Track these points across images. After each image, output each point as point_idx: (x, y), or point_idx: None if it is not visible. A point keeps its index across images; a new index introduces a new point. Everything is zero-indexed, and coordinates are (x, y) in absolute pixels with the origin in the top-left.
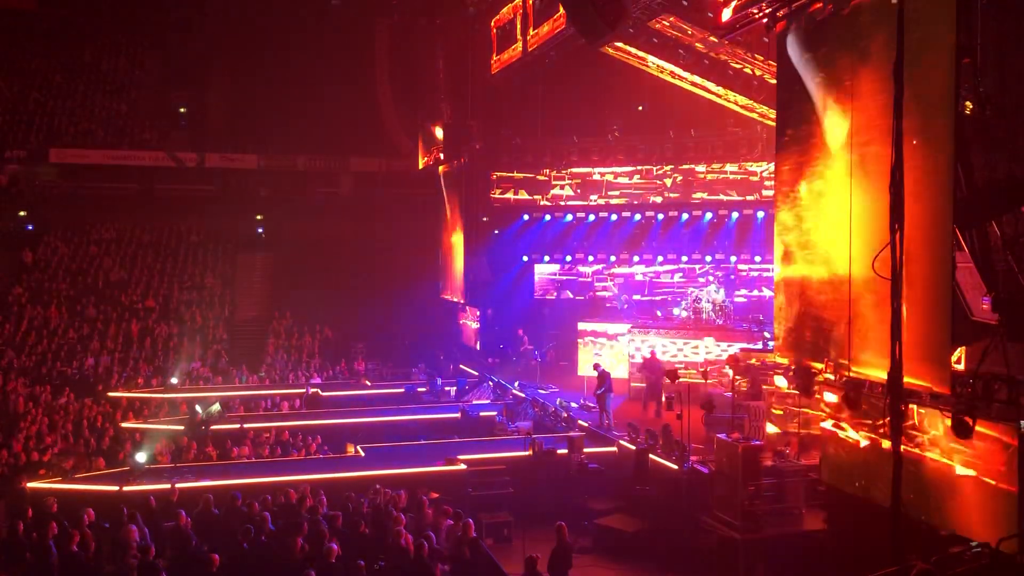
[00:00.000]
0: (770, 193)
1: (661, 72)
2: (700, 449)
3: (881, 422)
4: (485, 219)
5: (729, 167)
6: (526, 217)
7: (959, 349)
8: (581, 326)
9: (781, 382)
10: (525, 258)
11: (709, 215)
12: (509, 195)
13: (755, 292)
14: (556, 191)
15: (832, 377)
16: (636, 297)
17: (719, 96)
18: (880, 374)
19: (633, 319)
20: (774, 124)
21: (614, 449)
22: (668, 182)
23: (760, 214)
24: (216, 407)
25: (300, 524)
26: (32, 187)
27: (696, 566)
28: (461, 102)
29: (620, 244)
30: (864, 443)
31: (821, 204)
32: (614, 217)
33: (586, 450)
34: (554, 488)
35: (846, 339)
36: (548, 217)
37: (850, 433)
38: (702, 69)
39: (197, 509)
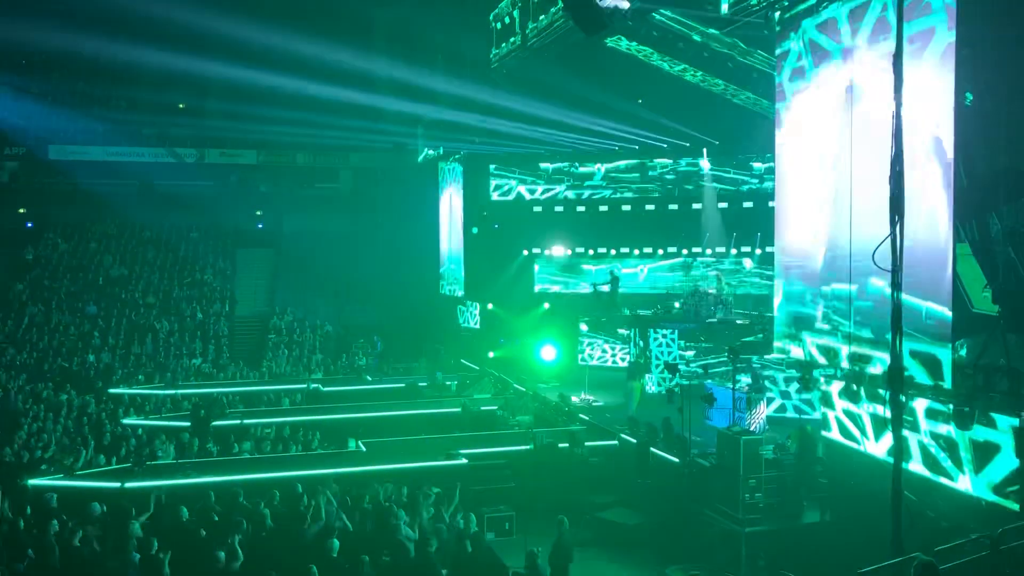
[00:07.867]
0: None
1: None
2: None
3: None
4: (485, 213)
5: (729, 161)
6: (526, 211)
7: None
8: (582, 320)
9: (781, 375)
10: (525, 252)
11: (709, 209)
12: (508, 189)
13: (755, 285)
14: (555, 185)
15: (832, 370)
16: (636, 291)
17: (720, 90)
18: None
19: (633, 312)
20: (774, 118)
21: (615, 442)
22: (668, 176)
23: (760, 208)
24: None
25: (301, 520)
26: (32, 184)
27: (697, 559)
28: (460, 96)
29: (620, 238)
30: (865, 435)
31: (821, 198)
32: (614, 211)
33: (587, 444)
34: (555, 482)
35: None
36: (548, 211)
37: (851, 425)
38: (702, 62)
39: (199, 505)
